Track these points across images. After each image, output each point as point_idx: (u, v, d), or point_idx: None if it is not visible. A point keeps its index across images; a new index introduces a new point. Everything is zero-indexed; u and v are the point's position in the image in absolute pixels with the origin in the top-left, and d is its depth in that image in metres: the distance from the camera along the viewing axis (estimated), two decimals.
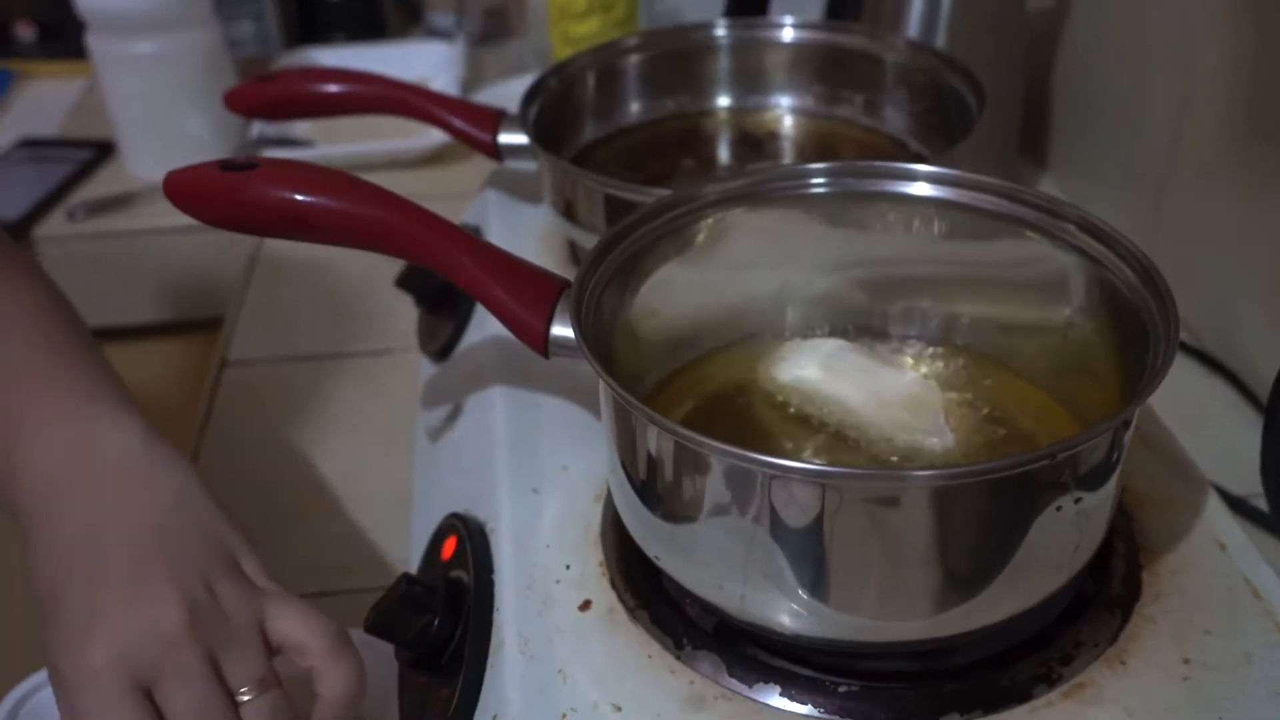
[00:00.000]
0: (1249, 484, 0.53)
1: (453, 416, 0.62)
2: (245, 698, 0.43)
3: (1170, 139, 0.77)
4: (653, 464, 0.42)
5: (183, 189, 0.47)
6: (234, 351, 0.80)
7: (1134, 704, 0.41)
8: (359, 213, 0.46)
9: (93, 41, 0.97)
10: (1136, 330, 0.44)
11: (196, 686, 0.42)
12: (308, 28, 1.25)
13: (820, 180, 0.51)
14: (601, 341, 0.46)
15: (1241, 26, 0.69)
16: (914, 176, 0.51)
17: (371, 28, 1.26)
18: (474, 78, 1.15)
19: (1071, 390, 0.50)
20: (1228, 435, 0.68)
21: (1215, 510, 0.50)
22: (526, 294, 0.46)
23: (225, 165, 0.47)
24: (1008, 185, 0.49)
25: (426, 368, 0.69)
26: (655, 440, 0.41)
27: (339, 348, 0.80)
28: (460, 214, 0.80)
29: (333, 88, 0.69)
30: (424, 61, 1.17)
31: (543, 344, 0.46)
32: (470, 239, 0.47)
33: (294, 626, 0.45)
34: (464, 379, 0.63)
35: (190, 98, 0.98)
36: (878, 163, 0.51)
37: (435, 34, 1.23)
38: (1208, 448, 0.66)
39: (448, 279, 0.47)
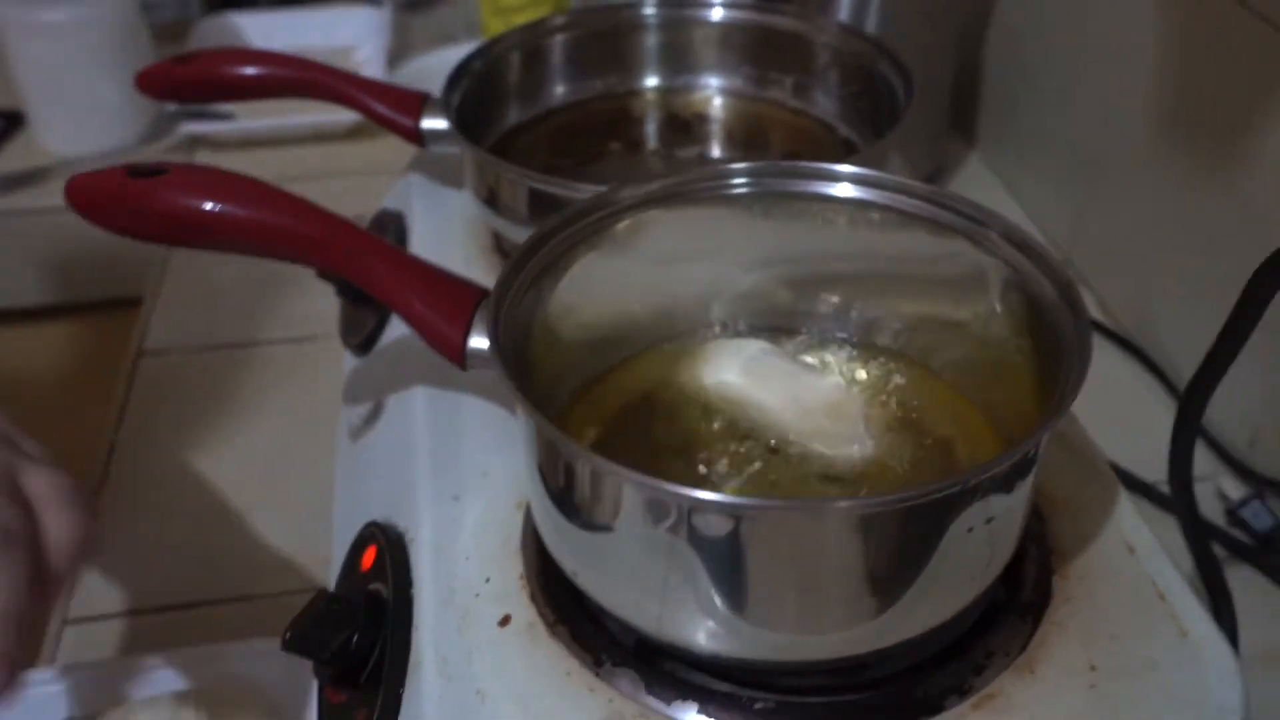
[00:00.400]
0: (1161, 470, 0.54)
1: (374, 415, 0.61)
2: None
3: (1100, 126, 0.78)
4: (568, 485, 0.42)
5: (86, 195, 0.45)
6: (150, 339, 0.78)
7: (1040, 713, 0.42)
8: (271, 222, 0.45)
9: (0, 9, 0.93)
10: (1052, 344, 0.44)
11: None
12: None
13: (743, 180, 0.51)
14: (521, 348, 0.46)
15: (1174, 24, 0.69)
16: (837, 177, 0.51)
17: None
18: (401, 46, 1.12)
19: (990, 395, 0.50)
20: (1142, 420, 0.69)
21: (1125, 511, 0.50)
22: (443, 304, 0.46)
23: (132, 170, 0.45)
24: (932, 190, 0.49)
25: (349, 360, 0.68)
26: (569, 462, 0.41)
27: (261, 335, 0.79)
28: (384, 192, 0.78)
29: (250, 70, 0.67)
30: (350, 28, 1.14)
31: (460, 356, 0.46)
32: (385, 248, 0.46)
33: (38, 482, 0.45)
34: (386, 375, 0.62)
35: (103, 68, 0.95)
36: (801, 163, 0.51)
37: None
38: (1122, 432, 0.67)
39: (363, 289, 0.46)
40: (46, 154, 0.98)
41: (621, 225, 0.50)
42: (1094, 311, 0.79)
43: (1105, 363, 0.75)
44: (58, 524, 0.45)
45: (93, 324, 0.95)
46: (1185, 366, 0.71)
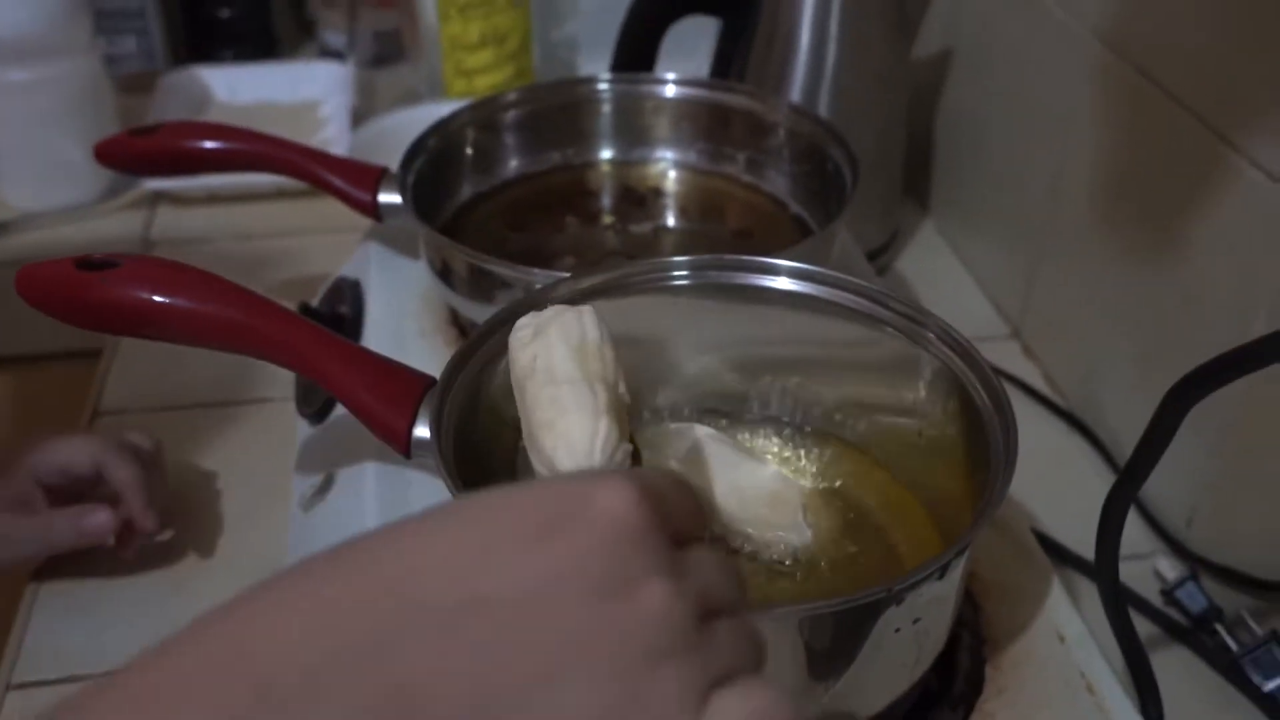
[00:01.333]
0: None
1: (325, 487, 0.61)
2: None
3: (1046, 201, 0.80)
4: None
5: (36, 288, 0.46)
6: (106, 400, 0.78)
7: None
8: (222, 316, 0.46)
9: None
10: (982, 445, 0.45)
11: None
12: (197, 43, 1.22)
13: (684, 273, 0.52)
14: (467, 433, 0.47)
15: (1109, 112, 0.72)
16: (777, 271, 0.52)
17: (263, 43, 1.23)
18: (366, 102, 1.13)
19: (924, 480, 0.52)
20: (1083, 495, 0.70)
21: (1057, 599, 0.52)
22: (389, 395, 0.47)
23: (82, 263, 0.46)
24: (871, 287, 0.51)
25: (304, 428, 0.69)
26: None
27: (217, 396, 0.79)
28: (345, 250, 0.79)
29: (210, 144, 0.68)
30: (315, 83, 1.15)
31: (405, 446, 0.47)
32: (334, 340, 0.47)
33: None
34: (338, 447, 0.63)
35: (66, 125, 0.95)
36: (741, 257, 0.53)
37: (328, 52, 1.21)
38: (1062, 507, 0.68)
39: (313, 381, 0.47)
40: (8, 208, 0.98)
41: None
42: (1039, 385, 0.81)
43: (1049, 438, 0.77)
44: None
45: (50, 376, 0.95)
46: (1128, 443, 0.73)
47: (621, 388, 0.45)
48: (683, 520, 0.27)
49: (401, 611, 0.23)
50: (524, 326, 0.46)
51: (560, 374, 0.44)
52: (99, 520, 0.59)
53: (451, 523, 0.25)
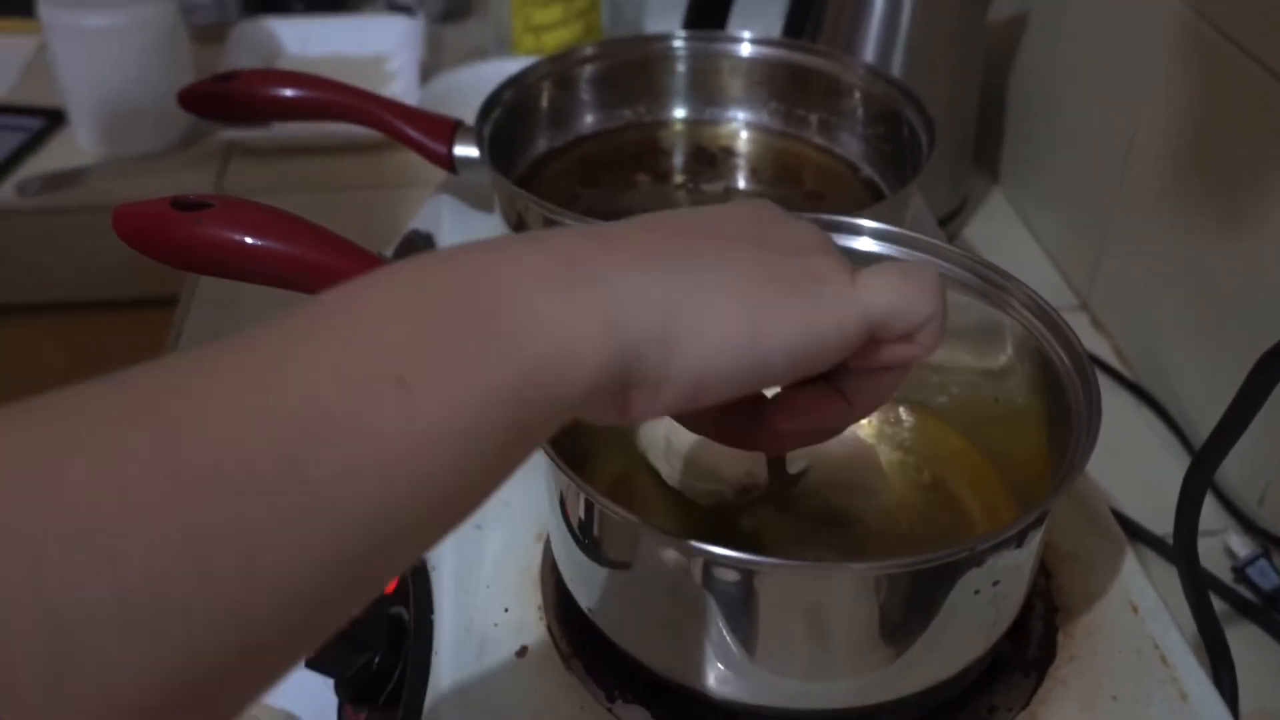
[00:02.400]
0: (1171, 521, 0.55)
1: None
2: None
3: (1117, 170, 0.79)
4: (586, 524, 0.43)
5: (131, 226, 0.47)
6: (184, 345, 0.80)
7: None
8: (311, 259, 0.47)
9: (44, 11, 0.94)
10: (1063, 411, 0.45)
11: None
12: None
13: None
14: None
15: (1186, 77, 0.70)
16: (859, 231, 0.52)
17: None
18: (434, 57, 1.13)
19: (1002, 448, 0.52)
20: (1153, 471, 0.70)
21: (1131, 570, 0.52)
22: None
23: (176, 203, 0.47)
24: (953, 250, 0.50)
25: None
26: (588, 502, 0.42)
27: None
28: (416, 204, 0.80)
29: (288, 92, 0.69)
30: (384, 37, 1.15)
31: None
32: None
33: None
34: None
35: (144, 73, 0.96)
36: (824, 215, 0.52)
37: (397, 7, 1.22)
38: (1132, 483, 0.68)
39: None
40: (85, 154, 1.00)
41: None
42: (1108, 357, 0.80)
43: (1118, 411, 0.76)
44: None
45: (129, 321, 0.97)
46: (1198, 418, 0.72)
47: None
48: None
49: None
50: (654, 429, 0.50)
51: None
52: None
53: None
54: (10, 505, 0.21)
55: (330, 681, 0.51)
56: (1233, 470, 0.68)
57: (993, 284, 0.49)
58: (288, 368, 0.25)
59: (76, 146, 1.01)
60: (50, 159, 1.00)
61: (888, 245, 0.51)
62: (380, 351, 0.26)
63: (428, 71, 1.09)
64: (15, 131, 1.02)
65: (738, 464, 0.48)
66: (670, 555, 0.40)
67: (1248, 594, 0.62)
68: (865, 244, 0.52)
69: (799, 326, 0.32)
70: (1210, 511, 0.67)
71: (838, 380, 0.37)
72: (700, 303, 0.31)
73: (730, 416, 0.39)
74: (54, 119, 1.03)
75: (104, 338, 0.98)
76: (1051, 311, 0.47)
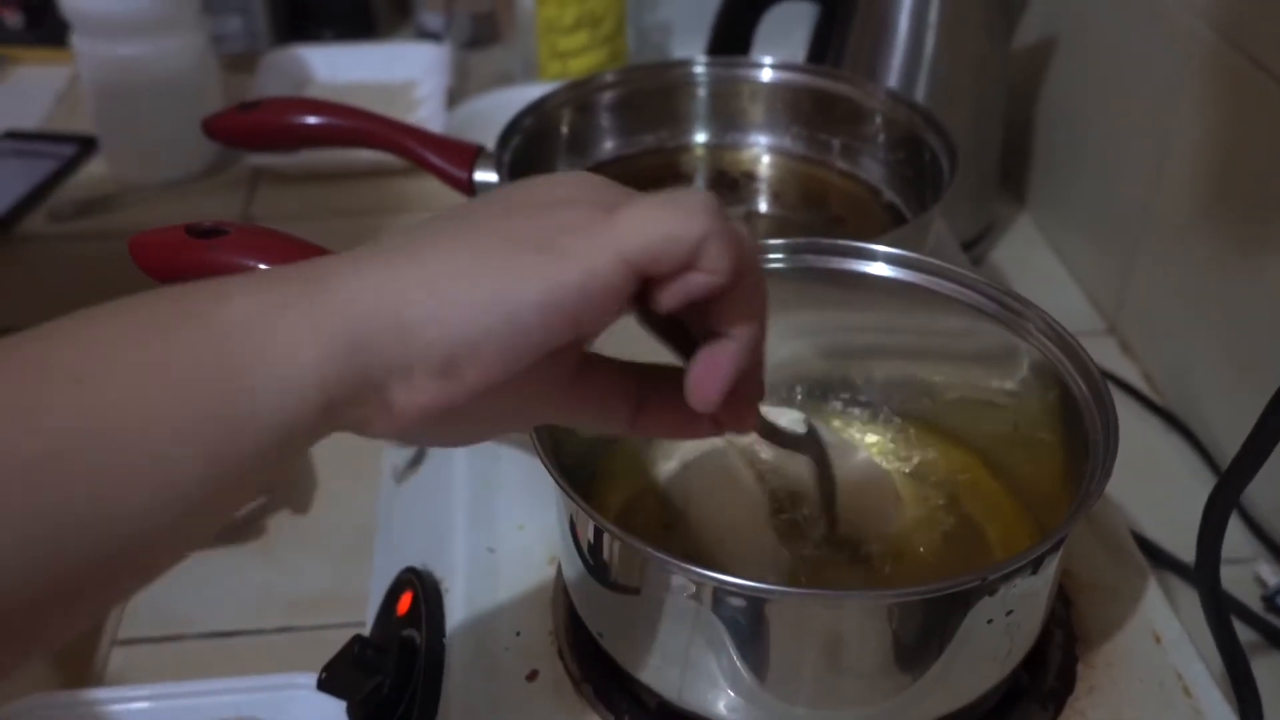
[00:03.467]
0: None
1: (417, 459, 0.62)
2: None
3: (1145, 195, 0.78)
4: (596, 550, 0.43)
5: (149, 254, 0.47)
6: None
7: None
8: None
9: (77, 42, 0.96)
10: (1081, 437, 0.44)
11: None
12: (297, 23, 1.24)
13: (779, 256, 0.52)
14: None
15: (1214, 103, 0.69)
16: (873, 256, 0.52)
17: (362, 24, 1.25)
18: (461, 83, 1.14)
19: (1019, 473, 0.51)
20: (1181, 497, 0.69)
21: (1154, 599, 0.51)
22: None
23: (191, 230, 0.47)
24: (969, 275, 0.50)
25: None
26: (597, 529, 0.42)
27: None
28: None
29: (312, 120, 0.69)
30: (412, 63, 1.16)
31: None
32: None
33: None
34: None
35: (174, 100, 0.97)
36: (838, 241, 0.52)
37: (425, 34, 1.23)
38: (1160, 508, 0.67)
39: None
40: (117, 180, 1.02)
41: None
42: (1137, 382, 0.79)
43: (1146, 437, 0.75)
44: None
45: None
46: (1227, 444, 0.71)
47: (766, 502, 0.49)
48: None
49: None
50: (668, 459, 0.51)
51: (718, 500, 0.48)
52: None
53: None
54: None
55: (343, 705, 0.51)
56: (1263, 498, 0.66)
57: (1011, 310, 0.49)
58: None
59: (108, 173, 1.02)
60: (82, 185, 1.01)
61: (904, 270, 0.51)
62: (63, 354, 0.28)
63: (455, 97, 1.09)
64: (48, 159, 1.03)
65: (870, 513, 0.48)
66: (680, 582, 0.40)
67: (1277, 622, 0.60)
68: (880, 269, 0.52)
69: (541, 280, 0.31)
70: (1241, 539, 0.66)
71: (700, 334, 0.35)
72: (424, 280, 0.31)
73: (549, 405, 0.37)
74: (86, 146, 1.05)
75: None
76: (1069, 338, 0.46)
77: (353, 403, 0.30)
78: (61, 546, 0.27)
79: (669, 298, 0.32)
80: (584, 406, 0.37)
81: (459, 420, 0.33)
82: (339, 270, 0.31)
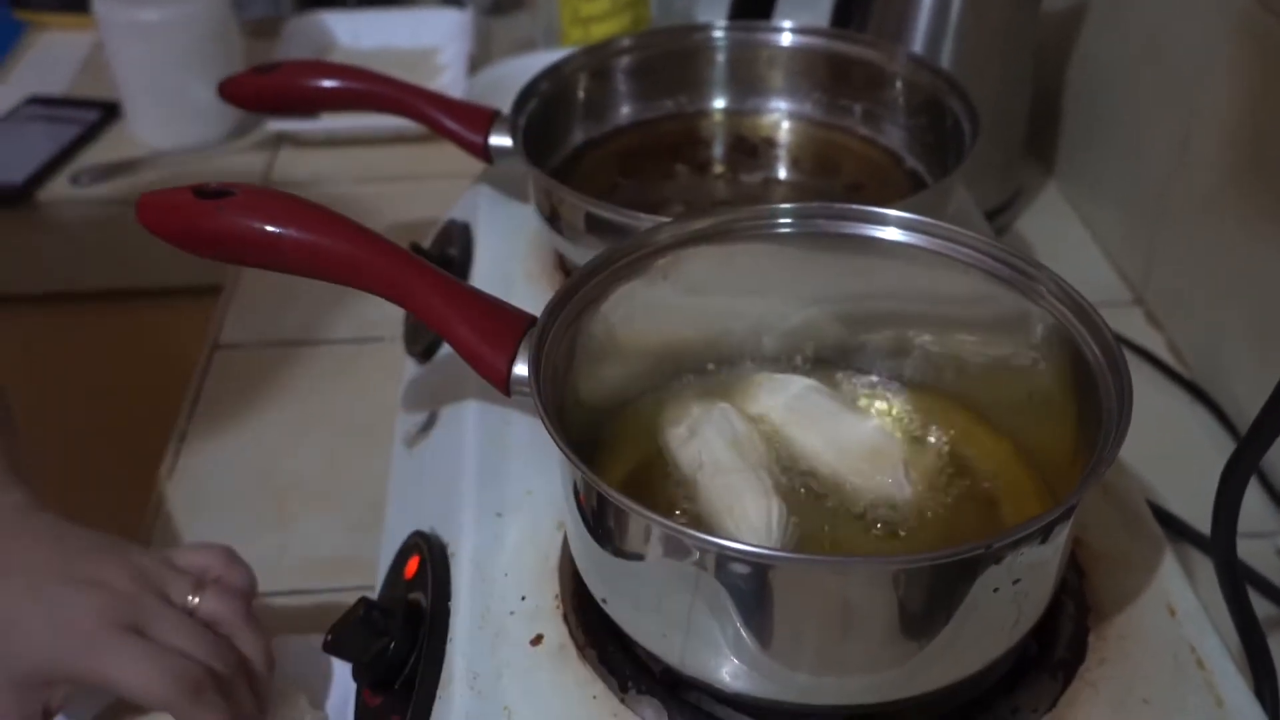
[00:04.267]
0: None
1: (428, 424, 0.62)
2: (195, 601, 0.51)
3: (1172, 166, 0.76)
4: (600, 516, 0.43)
5: (155, 214, 0.47)
6: (226, 333, 0.81)
7: None
8: (330, 247, 0.47)
9: (99, 7, 0.96)
10: (1094, 405, 0.44)
11: (170, 617, 0.49)
12: None
13: (789, 220, 0.51)
14: (564, 374, 0.47)
15: (1246, 70, 0.68)
16: (885, 221, 0.51)
17: None
18: (483, 49, 1.14)
19: (1031, 440, 0.50)
20: (1205, 469, 0.67)
21: (1170, 571, 0.50)
22: (490, 333, 0.47)
23: (199, 191, 0.47)
24: (981, 240, 0.49)
25: (410, 366, 0.70)
26: (601, 495, 0.42)
27: (330, 334, 0.81)
28: (460, 194, 0.80)
29: (327, 83, 0.69)
30: (434, 30, 1.16)
31: (504, 384, 0.47)
32: (438, 277, 0.48)
33: (194, 558, 0.53)
34: (442, 386, 0.64)
35: (195, 66, 0.98)
36: (849, 205, 0.51)
37: (448, 0, 1.22)
38: (1184, 480, 0.66)
39: (416, 316, 0.47)
40: (140, 145, 1.02)
41: (667, 260, 0.50)
42: (1163, 354, 0.78)
43: (1170, 407, 0.74)
44: (230, 577, 0.53)
45: (177, 310, 0.98)
46: (1253, 416, 0.69)
47: (775, 468, 0.49)
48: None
49: None
50: (677, 424, 0.50)
51: (727, 464, 0.47)
52: None
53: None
54: None
55: (348, 666, 0.51)
56: None
57: (1024, 274, 0.48)
58: None
59: (131, 138, 1.03)
60: (105, 151, 1.02)
61: (915, 235, 0.50)
62: None
63: (477, 64, 1.09)
64: (72, 124, 1.04)
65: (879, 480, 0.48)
66: (683, 548, 0.40)
67: None
68: (892, 234, 0.51)
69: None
70: (1264, 513, 0.65)
71: None
72: None
73: None
74: (109, 111, 1.05)
75: (154, 325, 0.99)
76: (1084, 302, 0.45)
77: None
78: None
79: None
80: None
81: None
82: None
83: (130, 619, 0.48)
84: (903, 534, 0.47)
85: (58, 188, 0.98)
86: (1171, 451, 0.67)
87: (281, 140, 1.03)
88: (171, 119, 1.01)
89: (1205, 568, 0.62)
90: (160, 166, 0.99)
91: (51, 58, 1.18)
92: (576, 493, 0.44)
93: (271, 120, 1.02)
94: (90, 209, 0.97)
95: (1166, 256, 0.79)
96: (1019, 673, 0.45)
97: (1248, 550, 0.61)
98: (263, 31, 1.14)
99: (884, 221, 0.50)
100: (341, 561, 0.65)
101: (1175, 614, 0.48)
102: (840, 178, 0.74)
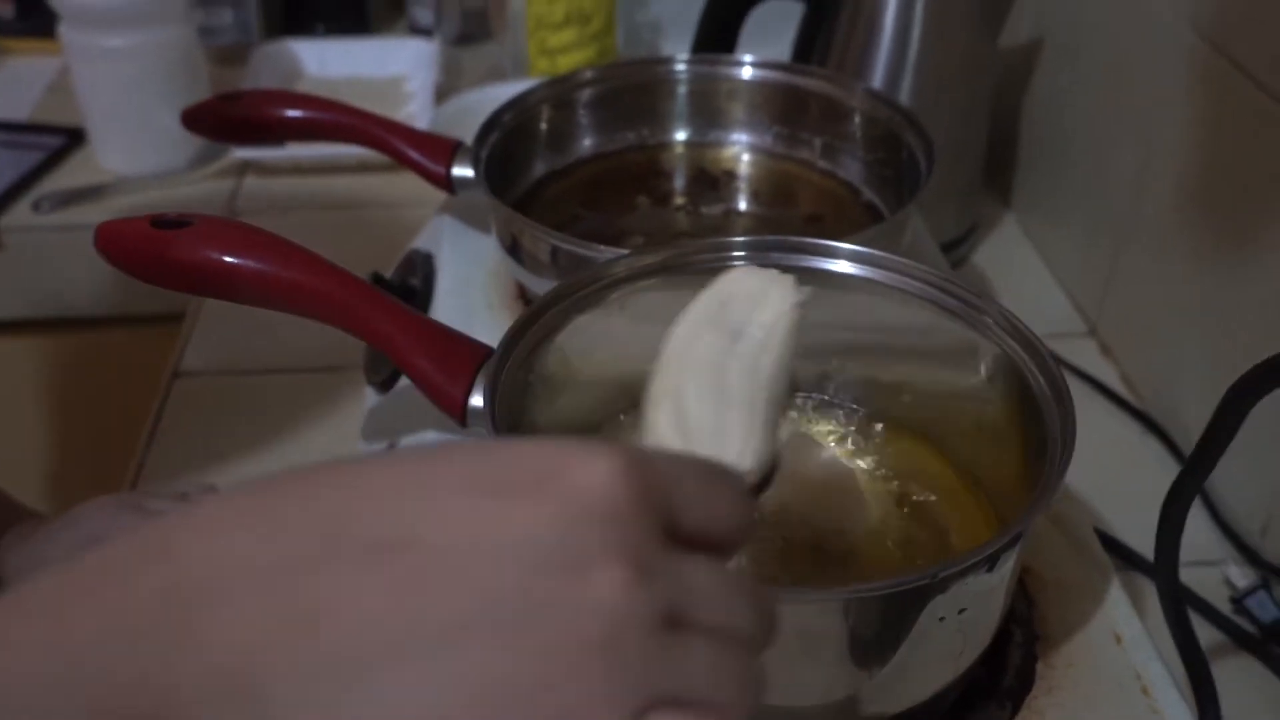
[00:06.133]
0: None
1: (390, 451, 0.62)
2: None
3: (1129, 197, 0.78)
4: None
5: (113, 243, 0.47)
6: (186, 362, 0.81)
7: None
8: (288, 278, 0.47)
9: (65, 33, 0.96)
10: (1041, 434, 0.44)
11: None
12: (290, 15, 1.24)
13: (744, 254, 0.52)
14: (521, 406, 0.47)
15: (1202, 101, 0.69)
16: (836, 254, 0.52)
17: (355, 19, 1.25)
18: (451, 79, 1.14)
19: (982, 472, 0.51)
20: (1157, 499, 0.69)
21: (1116, 599, 0.51)
22: (447, 363, 0.47)
23: (157, 221, 0.47)
24: (931, 272, 0.50)
25: (370, 396, 0.70)
26: None
27: (292, 363, 0.81)
28: (423, 223, 0.80)
29: (292, 113, 0.70)
30: (402, 59, 1.16)
31: (461, 414, 0.47)
32: (396, 307, 0.48)
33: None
34: (402, 415, 0.64)
35: (161, 93, 0.97)
36: (804, 239, 0.52)
37: (417, 29, 1.23)
38: (1135, 510, 0.66)
39: (374, 347, 0.47)
40: (104, 171, 1.02)
41: (623, 292, 0.51)
42: (1115, 385, 0.79)
43: (1122, 436, 0.75)
44: None
45: (140, 337, 0.98)
46: None
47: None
48: (695, 516, 0.24)
49: (326, 537, 0.23)
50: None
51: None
52: None
53: (410, 462, 0.24)
54: None
55: None
56: (1235, 500, 0.66)
57: (972, 306, 0.49)
58: None
59: (95, 165, 1.02)
60: (69, 177, 1.02)
61: (866, 268, 0.51)
62: None
63: (444, 93, 1.09)
64: (35, 150, 1.03)
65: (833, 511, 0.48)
66: None
67: (1246, 625, 0.60)
68: (844, 266, 0.52)
69: None
70: (1210, 541, 0.66)
71: None
72: None
73: None
74: (74, 138, 1.05)
75: (115, 353, 0.99)
76: (1029, 334, 0.46)
77: None
78: None
79: None
80: None
81: None
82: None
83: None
84: (856, 564, 0.48)
85: (19, 214, 0.97)
86: (1122, 481, 0.68)
87: (247, 168, 1.03)
88: (137, 146, 1.01)
89: (1154, 595, 0.63)
90: (124, 193, 0.99)
91: (15, 83, 1.18)
92: None
93: (237, 148, 1.02)
94: (52, 235, 0.96)
95: (1121, 288, 0.80)
96: (969, 701, 0.46)
97: (1196, 578, 0.62)
98: (230, 58, 1.14)
99: (836, 255, 0.51)
100: None
101: (1121, 641, 0.49)
102: (800, 209, 0.75)
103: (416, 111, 1.06)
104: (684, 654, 0.23)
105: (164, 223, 0.47)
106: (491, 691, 0.22)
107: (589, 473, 0.23)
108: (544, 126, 0.74)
